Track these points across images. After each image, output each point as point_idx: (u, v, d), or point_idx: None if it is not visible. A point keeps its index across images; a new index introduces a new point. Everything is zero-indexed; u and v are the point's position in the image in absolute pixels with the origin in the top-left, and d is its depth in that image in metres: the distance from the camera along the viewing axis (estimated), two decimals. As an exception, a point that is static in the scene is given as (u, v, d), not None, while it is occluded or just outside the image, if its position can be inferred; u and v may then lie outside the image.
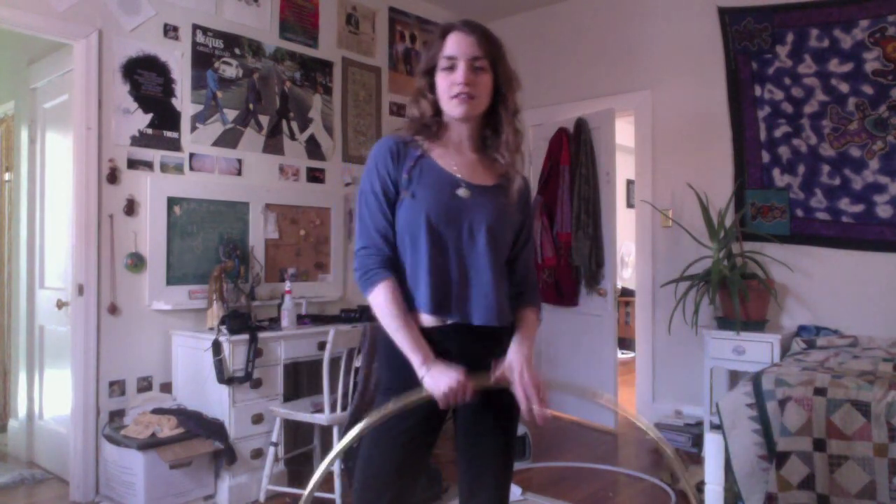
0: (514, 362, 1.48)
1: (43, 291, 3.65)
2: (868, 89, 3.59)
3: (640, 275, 4.52)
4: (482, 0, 4.78)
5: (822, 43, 3.71)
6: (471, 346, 1.49)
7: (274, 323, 3.49)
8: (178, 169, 3.46)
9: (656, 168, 4.40)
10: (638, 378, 4.51)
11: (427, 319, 1.50)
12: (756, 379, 2.56)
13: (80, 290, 3.14)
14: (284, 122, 3.96)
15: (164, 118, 3.42)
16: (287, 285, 3.54)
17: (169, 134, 3.43)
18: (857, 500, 2.25)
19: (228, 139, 3.68)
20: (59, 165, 3.52)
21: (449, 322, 1.50)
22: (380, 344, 1.60)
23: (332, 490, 2.96)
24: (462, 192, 1.53)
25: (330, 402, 3.01)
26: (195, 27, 3.54)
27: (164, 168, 3.41)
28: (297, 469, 3.42)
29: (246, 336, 3.13)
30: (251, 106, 3.78)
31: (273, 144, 3.89)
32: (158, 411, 3.08)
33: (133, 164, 3.30)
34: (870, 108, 3.59)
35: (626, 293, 6.58)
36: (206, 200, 3.56)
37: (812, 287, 3.81)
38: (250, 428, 3.16)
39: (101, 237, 3.19)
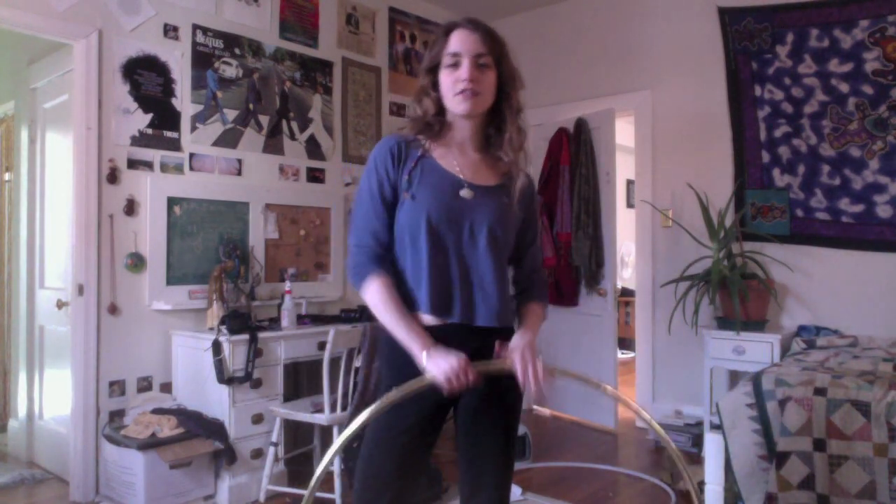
0: (516, 345, 1.48)
1: (43, 291, 3.65)
2: (868, 89, 3.59)
3: (640, 275, 4.52)
4: (482, 0, 4.78)
5: (822, 43, 3.71)
6: (472, 345, 1.48)
7: (274, 323, 3.49)
8: (178, 169, 3.46)
9: (656, 168, 4.40)
10: (638, 378, 4.51)
11: (428, 319, 1.50)
12: (756, 379, 2.56)
13: (80, 290, 3.14)
14: (284, 122, 3.96)
15: (164, 118, 3.42)
16: (287, 285, 3.54)
17: (169, 134, 3.43)
18: (857, 500, 2.25)
19: (228, 139, 3.68)
20: (59, 165, 3.52)
21: (450, 322, 1.50)
22: (381, 343, 1.60)
23: (332, 490, 2.96)
24: (465, 192, 1.53)
25: (330, 402, 3.01)
26: (195, 27, 3.54)
27: (164, 168, 3.41)
28: (297, 469, 3.42)
29: (246, 336, 3.13)
30: (251, 106, 3.78)
31: (273, 144, 3.89)
32: (158, 411, 3.08)
33: (133, 164, 3.30)
34: (870, 108, 3.59)
35: (626, 293, 6.58)
36: (206, 200, 3.56)
37: (812, 287, 3.81)
38: (250, 428, 3.16)
39: (101, 237, 3.19)
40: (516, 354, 1.44)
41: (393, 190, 1.53)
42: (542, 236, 4.60)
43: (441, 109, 1.57)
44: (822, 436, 2.32)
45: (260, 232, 3.77)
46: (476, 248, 1.52)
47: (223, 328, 3.16)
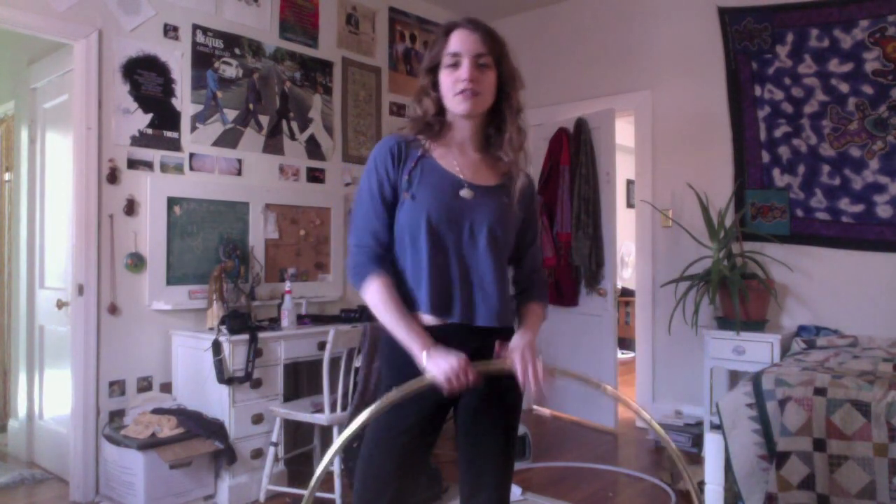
0: (516, 345, 1.47)
1: (43, 291, 3.65)
2: (868, 89, 3.59)
3: (640, 275, 4.52)
4: (482, 0, 4.78)
5: (822, 43, 3.71)
6: (472, 345, 1.48)
7: (274, 323, 3.49)
8: (178, 169, 3.46)
9: (656, 168, 4.40)
10: (638, 378, 4.51)
11: (428, 319, 1.50)
12: (756, 379, 2.56)
13: (80, 290, 3.14)
14: (284, 122, 3.96)
15: (164, 118, 3.42)
16: (287, 285, 3.54)
17: (169, 134, 3.43)
18: (857, 500, 2.25)
19: (228, 139, 3.68)
20: (59, 165, 3.52)
21: (450, 322, 1.50)
22: (381, 343, 1.60)
23: (332, 490, 2.96)
24: (465, 192, 1.53)
25: (330, 402, 3.01)
26: (195, 27, 3.54)
27: (164, 168, 3.41)
28: (297, 469, 3.42)
29: (246, 336, 3.13)
30: (251, 106, 3.78)
31: (273, 144, 3.89)
32: (158, 411, 3.08)
33: (133, 164, 3.30)
34: (870, 108, 3.59)
35: (626, 293, 6.58)
36: (206, 200, 3.56)
37: (812, 287, 3.81)
38: (250, 428, 3.16)
39: (101, 237, 3.19)
40: (516, 354, 1.44)
41: (393, 190, 1.53)
42: (542, 236, 4.60)
43: (441, 109, 1.56)
44: (822, 436, 2.32)
45: (260, 232, 3.78)
46: (476, 248, 1.52)
47: (223, 328, 3.16)
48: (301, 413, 3.09)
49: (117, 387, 3.23)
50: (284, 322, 3.42)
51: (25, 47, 3.68)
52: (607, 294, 4.44)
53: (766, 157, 3.92)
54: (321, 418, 3.03)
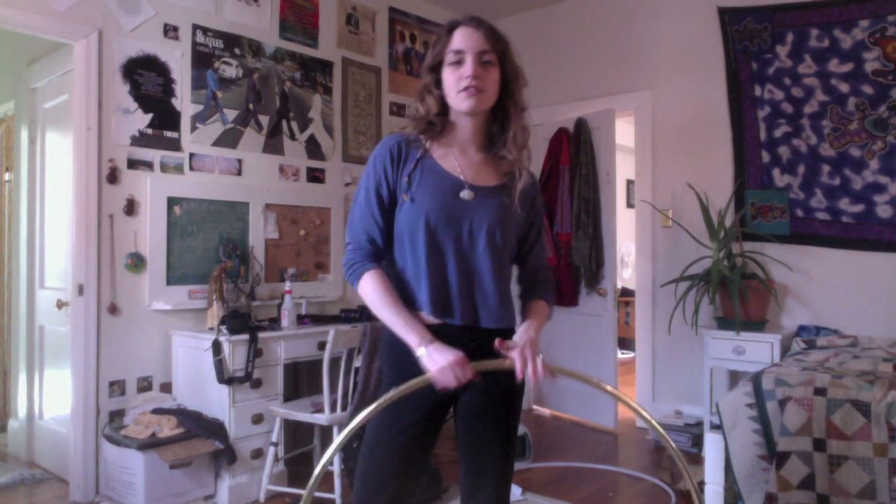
0: (517, 343, 1.45)
1: (43, 291, 3.65)
2: (868, 89, 3.59)
3: (640, 275, 4.52)
4: (482, 0, 4.78)
5: (822, 43, 3.71)
6: (471, 345, 1.48)
7: (274, 323, 3.49)
8: (178, 169, 3.46)
9: (656, 168, 4.40)
10: (638, 378, 4.51)
11: (429, 318, 1.50)
12: (756, 379, 2.56)
13: (80, 290, 3.14)
14: (284, 122, 3.96)
15: (164, 118, 3.42)
16: (287, 285, 3.54)
17: (169, 134, 3.43)
18: (857, 500, 2.25)
19: (228, 139, 3.68)
20: (59, 165, 3.52)
21: (450, 323, 1.50)
22: (382, 342, 1.60)
23: (332, 490, 2.96)
24: (465, 194, 1.52)
25: (330, 402, 3.01)
26: (195, 27, 3.54)
27: (164, 168, 3.41)
28: (297, 469, 3.42)
29: (246, 336, 3.13)
30: (251, 106, 3.78)
31: (273, 144, 3.89)
32: (158, 411, 3.08)
33: (133, 164, 3.30)
34: (870, 108, 3.59)
35: (626, 293, 6.58)
36: (206, 200, 3.56)
37: (812, 287, 3.81)
38: (250, 428, 3.16)
39: (101, 237, 3.19)
40: (517, 352, 1.42)
41: (391, 190, 1.53)
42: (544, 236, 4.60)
43: (444, 108, 1.56)
44: (822, 436, 2.32)
45: (260, 232, 3.78)
46: (475, 249, 1.51)
47: (223, 328, 3.16)
48: (301, 413, 3.09)
49: (117, 387, 3.23)
50: (284, 322, 3.42)
51: (25, 47, 3.68)
52: (607, 294, 4.44)
53: (766, 157, 3.92)
54: (321, 418, 3.02)
